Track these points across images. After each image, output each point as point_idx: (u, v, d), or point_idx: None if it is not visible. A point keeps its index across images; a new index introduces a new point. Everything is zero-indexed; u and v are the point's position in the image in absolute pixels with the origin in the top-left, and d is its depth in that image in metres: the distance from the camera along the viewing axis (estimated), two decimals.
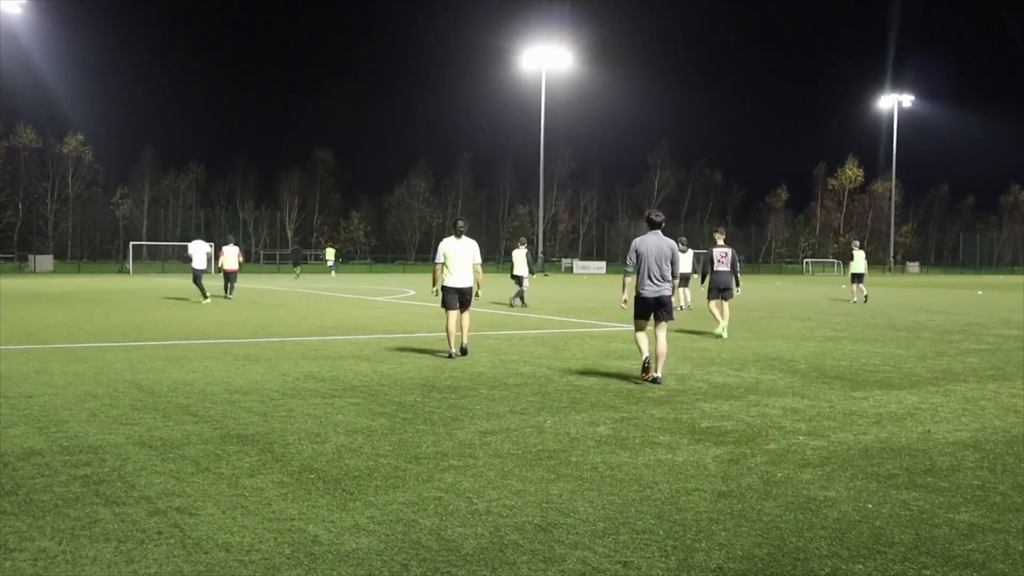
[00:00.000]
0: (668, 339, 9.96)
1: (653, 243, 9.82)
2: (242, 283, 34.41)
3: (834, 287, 42.70)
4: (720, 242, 15.54)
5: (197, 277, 23.47)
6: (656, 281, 9.77)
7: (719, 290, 15.00)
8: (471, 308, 12.04)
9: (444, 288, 11.83)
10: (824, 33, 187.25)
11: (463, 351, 11.70)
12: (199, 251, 24.13)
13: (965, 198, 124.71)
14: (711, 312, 15.14)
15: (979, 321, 19.26)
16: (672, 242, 9.96)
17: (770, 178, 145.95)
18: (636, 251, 9.85)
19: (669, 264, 9.80)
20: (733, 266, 15.24)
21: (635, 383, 9.49)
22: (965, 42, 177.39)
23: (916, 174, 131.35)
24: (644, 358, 9.73)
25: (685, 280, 22.20)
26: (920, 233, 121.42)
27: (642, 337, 9.89)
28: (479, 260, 11.97)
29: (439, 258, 11.90)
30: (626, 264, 10.03)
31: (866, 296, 26.54)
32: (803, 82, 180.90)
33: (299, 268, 52.90)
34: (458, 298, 11.76)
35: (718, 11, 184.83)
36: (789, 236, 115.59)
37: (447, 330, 11.72)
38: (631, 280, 10.07)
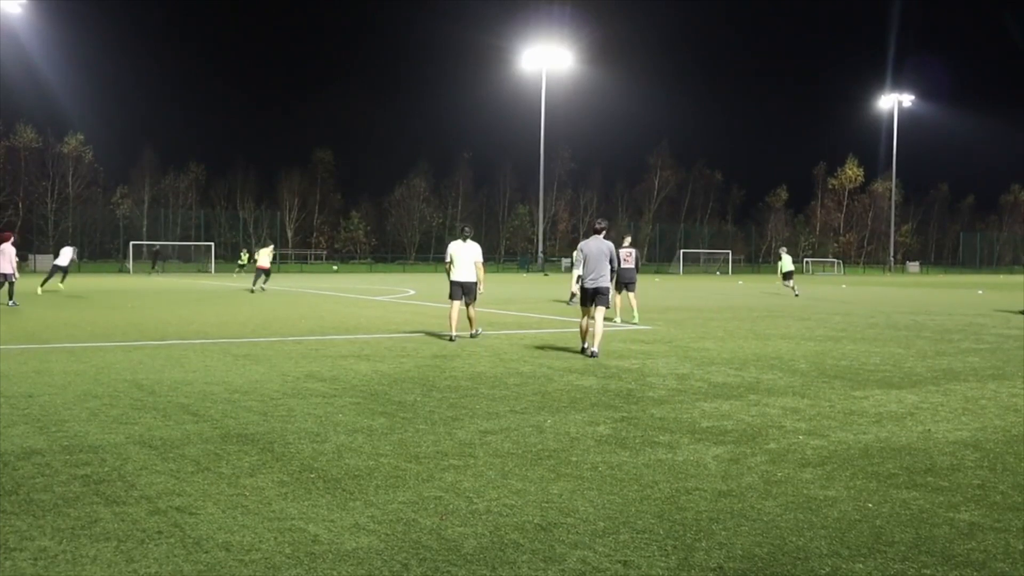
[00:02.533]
0: (602, 323, 12.05)
1: (594, 245, 12.16)
2: (241, 282, 35.25)
3: (833, 287, 42.70)
4: (626, 243, 18.41)
5: (60, 272, 28.68)
6: (596, 275, 12.02)
7: (623, 283, 17.90)
8: (471, 305, 13.90)
9: (451, 282, 13.74)
10: (824, 33, 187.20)
11: (472, 335, 13.79)
12: (67, 254, 29.33)
13: (965, 198, 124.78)
14: (615, 302, 17.62)
15: (979, 321, 19.25)
16: (610, 244, 12.27)
17: (770, 178, 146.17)
18: (582, 251, 12.24)
19: (607, 261, 12.06)
20: (636, 263, 18.13)
21: (634, 383, 9.50)
22: (965, 42, 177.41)
23: (916, 174, 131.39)
24: (584, 346, 12.03)
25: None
26: (920, 233, 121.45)
27: (586, 323, 12.09)
28: (480, 260, 13.84)
29: (447, 258, 13.92)
30: (574, 263, 12.32)
31: (792, 289, 31.19)
32: (803, 82, 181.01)
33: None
34: (461, 290, 13.67)
35: (718, 11, 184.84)
36: (789, 236, 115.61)
37: (449, 316, 13.76)
38: (578, 274, 12.32)
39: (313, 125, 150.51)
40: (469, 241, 13.80)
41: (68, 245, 31.26)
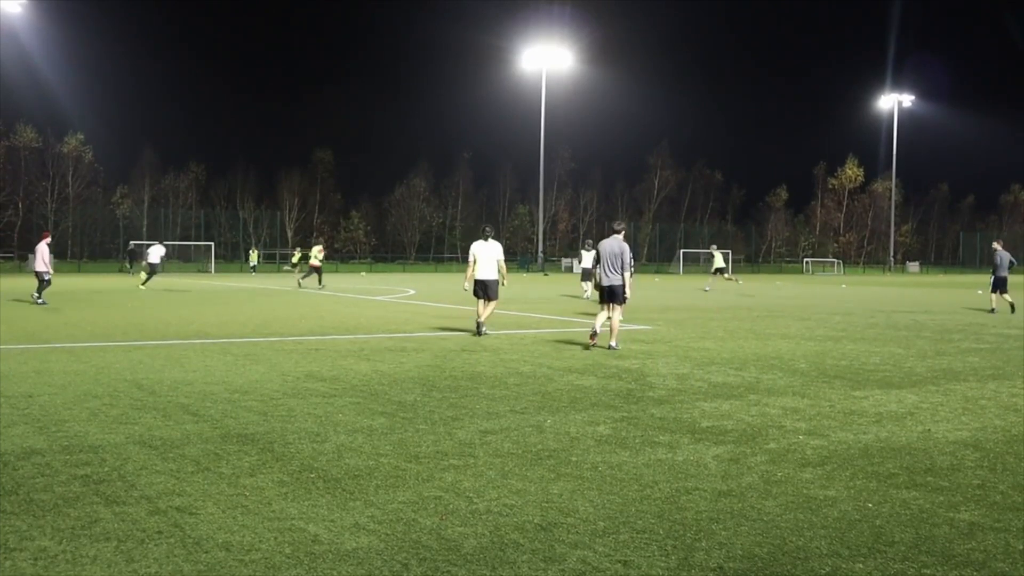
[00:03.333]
0: (619, 319, 12.80)
1: (608, 245, 12.81)
2: (239, 283, 35.59)
3: (833, 287, 42.73)
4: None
5: (154, 269, 32.40)
6: (609, 273, 12.70)
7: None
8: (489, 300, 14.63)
9: (475, 280, 14.46)
10: (824, 33, 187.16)
11: (479, 328, 14.23)
12: (156, 253, 32.75)
13: (965, 198, 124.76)
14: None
15: (979, 321, 19.26)
16: (624, 244, 12.78)
17: (770, 178, 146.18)
18: (598, 251, 12.96)
19: (620, 260, 12.64)
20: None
21: (634, 383, 9.50)
22: (965, 42, 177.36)
23: (916, 174, 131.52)
24: (593, 329, 12.80)
25: (588, 275, 26.76)
26: (920, 233, 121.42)
27: (600, 315, 12.92)
28: (502, 258, 14.66)
29: (470, 257, 14.67)
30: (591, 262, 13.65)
31: (707, 284, 34.14)
32: (803, 82, 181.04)
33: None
34: (483, 287, 14.38)
35: (718, 11, 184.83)
36: (789, 235, 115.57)
37: (477, 312, 14.55)
38: (598, 271, 13.09)
39: (313, 125, 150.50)
40: (491, 240, 14.62)
41: (158, 243, 34.65)
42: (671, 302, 25.85)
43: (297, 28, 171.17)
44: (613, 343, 12.54)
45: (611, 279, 12.62)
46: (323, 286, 32.60)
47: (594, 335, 12.67)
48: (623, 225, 13.33)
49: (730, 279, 34.61)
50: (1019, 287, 42.74)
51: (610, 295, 12.66)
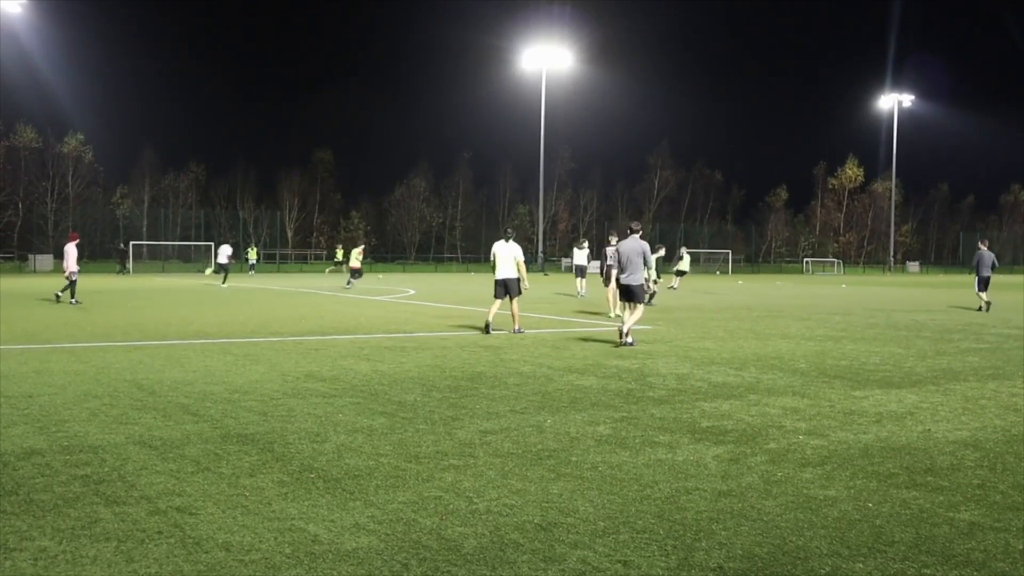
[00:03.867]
0: (634, 316, 13.21)
1: (627, 246, 13.34)
2: (238, 283, 35.98)
3: (833, 287, 42.75)
4: (613, 243, 18.92)
5: (225, 268, 36.04)
6: (628, 273, 13.21)
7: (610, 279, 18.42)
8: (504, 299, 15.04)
9: (495, 280, 15.01)
10: (824, 33, 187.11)
11: (515, 331, 14.55)
12: (224, 252, 36.31)
13: (965, 198, 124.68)
14: (607, 298, 18.99)
15: (979, 320, 19.27)
16: (645, 244, 13.34)
17: (770, 178, 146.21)
18: (618, 251, 13.52)
19: (641, 259, 13.18)
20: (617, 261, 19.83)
21: (634, 383, 9.50)
22: (965, 42, 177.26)
23: (916, 174, 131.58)
24: (618, 328, 13.41)
25: (582, 272, 28.05)
26: (920, 233, 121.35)
27: (624, 315, 13.47)
28: (521, 258, 14.98)
29: (491, 257, 15.19)
30: (608, 262, 14.59)
31: (675, 287, 34.30)
32: (803, 82, 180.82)
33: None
34: (504, 288, 14.88)
35: (718, 11, 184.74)
36: (789, 236, 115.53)
37: (490, 309, 15.16)
38: (614, 272, 13.83)
39: (313, 125, 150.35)
40: (511, 242, 15.02)
41: (225, 244, 37.68)
42: (671, 302, 25.84)
43: (297, 28, 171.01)
44: (628, 338, 12.88)
45: (629, 278, 13.18)
46: (344, 285, 33.36)
47: (622, 334, 12.99)
48: (640, 225, 13.79)
49: (672, 286, 34.72)
50: (1018, 287, 42.80)
51: (628, 294, 13.24)
